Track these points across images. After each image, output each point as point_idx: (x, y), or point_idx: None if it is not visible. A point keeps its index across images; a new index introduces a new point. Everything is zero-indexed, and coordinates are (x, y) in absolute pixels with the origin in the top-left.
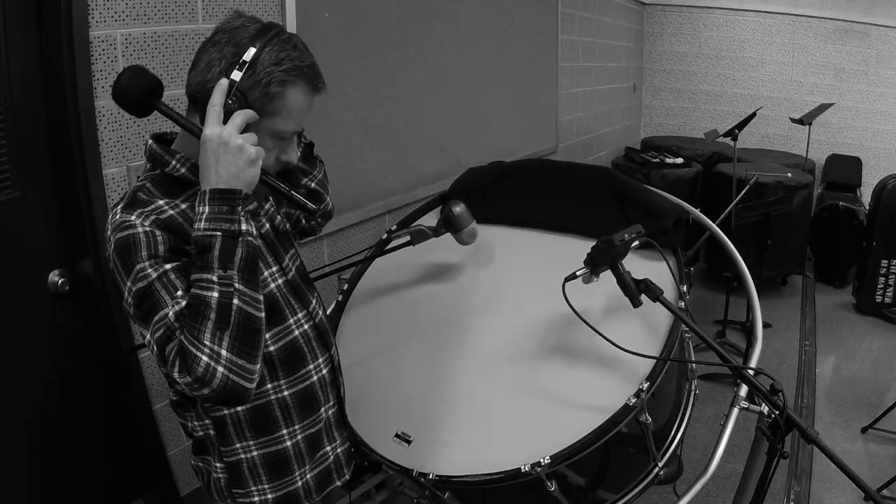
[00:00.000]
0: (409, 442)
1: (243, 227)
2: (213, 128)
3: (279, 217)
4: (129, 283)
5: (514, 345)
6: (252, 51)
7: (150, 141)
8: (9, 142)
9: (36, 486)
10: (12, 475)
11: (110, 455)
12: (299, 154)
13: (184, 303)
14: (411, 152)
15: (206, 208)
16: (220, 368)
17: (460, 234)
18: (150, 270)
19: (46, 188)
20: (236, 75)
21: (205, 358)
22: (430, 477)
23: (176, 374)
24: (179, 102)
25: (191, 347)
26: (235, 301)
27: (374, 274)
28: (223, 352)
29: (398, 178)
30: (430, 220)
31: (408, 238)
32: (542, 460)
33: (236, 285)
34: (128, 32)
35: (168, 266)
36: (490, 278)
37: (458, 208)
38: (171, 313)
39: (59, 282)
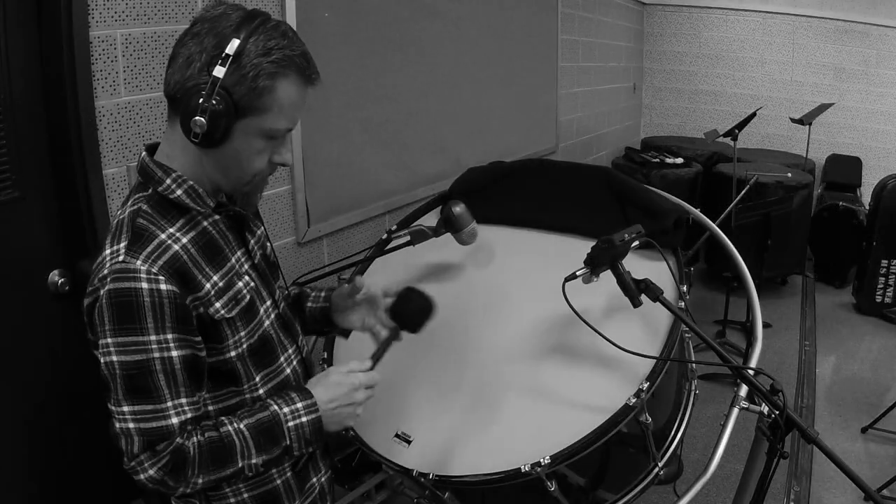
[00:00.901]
0: (409, 442)
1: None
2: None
3: (269, 246)
4: (117, 343)
5: (515, 345)
6: (236, 42)
7: (144, 153)
8: (9, 142)
9: (36, 486)
10: (12, 475)
11: (110, 455)
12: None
13: (189, 413)
14: (411, 152)
15: (306, 421)
16: (187, 490)
17: (460, 234)
18: (153, 347)
19: (46, 188)
20: (219, 71)
21: (188, 485)
22: (430, 477)
23: (153, 469)
24: None
25: (193, 472)
26: (248, 472)
27: (373, 274)
28: (200, 483)
29: (398, 178)
30: (430, 220)
31: (408, 238)
32: (542, 460)
33: (260, 470)
34: (128, 32)
35: (175, 352)
36: (490, 278)
37: (458, 208)
38: (175, 421)
39: (59, 282)
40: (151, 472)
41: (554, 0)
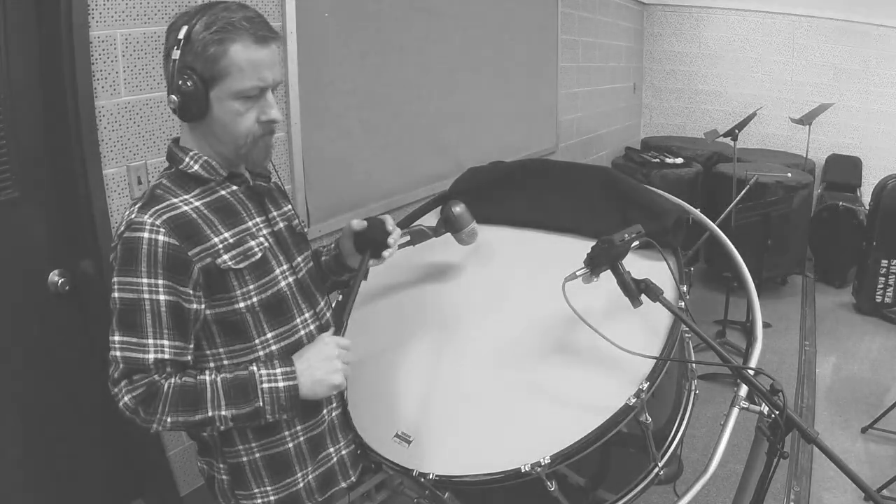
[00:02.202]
0: (409, 442)
1: (272, 420)
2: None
3: (297, 220)
4: (119, 281)
5: (515, 345)
6: (185, 28)
7: (170, 142)
8: (8, 142)
9: (36, 486)
10: (12, 475)
11: (110, 455)
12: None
13: (167, 355)
14: (411, 152)
15: (282, 386)
16: (158, 427)
17: (460, 234)
18: (144, 288)
19: (46, 188)
20: (175, 54)
21: (158, 422)
22: (430, 477)
23: (128, 396)
24: None
25: (164, 409)
26: (218, 424)
27: (374, 274)
28: (168, 422)
29: (398, 178)
30: (430, 220)
31: (408, 238)
32: (542, 460)
33: (230, 424)
34: (128, 32)
35: (163, 297)
36: (490, 278)
37: (458, 208)
38: (151, 357)
39: (59, 282)
40: (126, 399)
41: (554, 0)
